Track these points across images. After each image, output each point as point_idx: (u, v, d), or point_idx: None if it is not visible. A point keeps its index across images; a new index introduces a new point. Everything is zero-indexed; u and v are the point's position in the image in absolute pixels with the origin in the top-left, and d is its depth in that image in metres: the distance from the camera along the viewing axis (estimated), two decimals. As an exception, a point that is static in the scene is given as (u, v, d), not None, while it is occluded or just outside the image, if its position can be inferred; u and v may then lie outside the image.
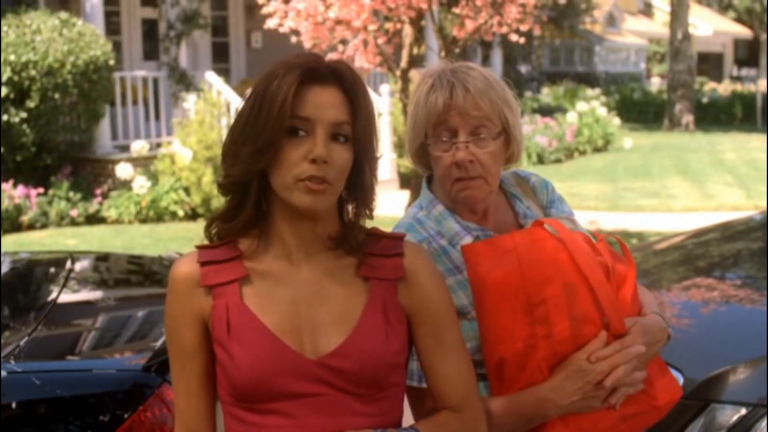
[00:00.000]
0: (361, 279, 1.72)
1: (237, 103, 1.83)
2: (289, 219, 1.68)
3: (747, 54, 49.42)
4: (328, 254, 1.72)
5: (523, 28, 7.23)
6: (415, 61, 8.24)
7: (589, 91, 27.78)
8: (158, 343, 2.66)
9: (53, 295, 3.22)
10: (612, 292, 1.91)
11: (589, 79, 33.40)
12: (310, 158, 1.61)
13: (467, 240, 2.02)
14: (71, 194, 11.45)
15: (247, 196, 1.68)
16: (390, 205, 10.08)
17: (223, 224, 1.72)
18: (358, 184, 1.70)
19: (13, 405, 2.38)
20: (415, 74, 7.68)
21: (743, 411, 2.87)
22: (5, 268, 3.61)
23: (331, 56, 7.15)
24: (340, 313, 1.69)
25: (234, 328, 1.66)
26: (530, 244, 1.92)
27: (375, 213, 1.77)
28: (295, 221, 1.68)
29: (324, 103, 1.63)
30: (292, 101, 1.61)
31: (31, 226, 11.04)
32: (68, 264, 3.63)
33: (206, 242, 1.75)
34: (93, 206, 11.52)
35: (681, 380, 3.01)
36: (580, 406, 1.88)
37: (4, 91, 10.97)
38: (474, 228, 2.05)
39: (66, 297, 3.23)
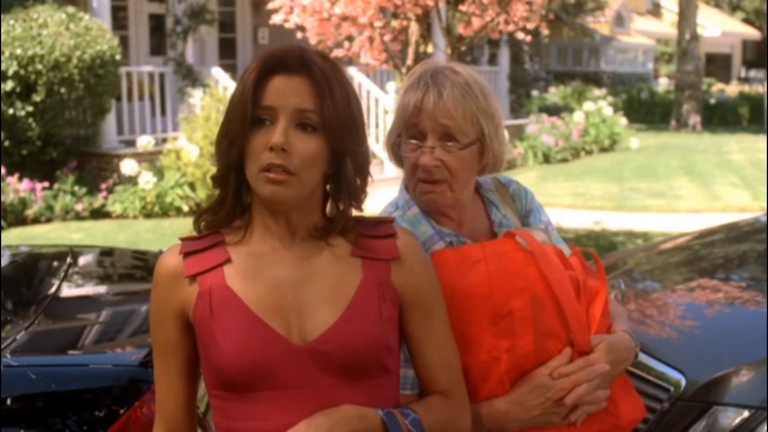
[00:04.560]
0: (352, 259, 1.69)
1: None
2: (267, 212, 1.67)
3: (755, 55, 49.27)
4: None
5: (530, 26, 7.20)
6: (422, 59, 8.20)
7: (596, 91, 27.73)
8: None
9: (51, 289, 3.20)
10: (579, 309, 1.90)
11: (596, 79, 33.35)
12: (268, 146, 1.59)
13: (440, 245, 1.99)
14: (76, 188, 11.46)
15: (228, 188, 1.68)
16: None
17: (210, 216, 1.71)
18: (339, 177, 1.67)
19: (9, 399, 2.37)
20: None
21: (746, 414, 2.85)
22: (5, 262, 3.60)
23: (337, 53, 7.21)
24: (329, 294, 1.65)
25: (217, 311, 1.63)
26: (500, 255, 1.90)
27: (376, 210, 1.74)
28: (273, 214, 1.67)
29: (286, 91, 1.61)
30: (254, 91, 1.61)
31: (35, 220, 11.05)
32: (68, 258, 3.61)
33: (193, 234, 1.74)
34: (98, 201, 11.53)
35: (683, 382, 3.00)
36: (540, 422, 1.87)
37: (11, 84, 10.99)
38: (448, 233, 2.01)
39: (64, 291, 3.22)
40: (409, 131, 1.97)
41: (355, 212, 1.73)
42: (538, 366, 1.87)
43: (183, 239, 1.73)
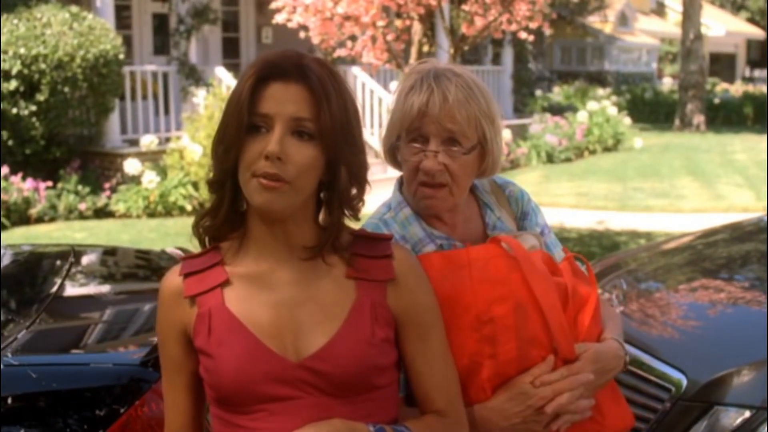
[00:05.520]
0: (347, 280, 1.69)
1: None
2: (262, 220, 1.66)
3: (759, 55, 49.17)
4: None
5: (533, 25, 7.19)
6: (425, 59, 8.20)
7: (600, 91, 27.70)
8: (156, 338, 2.64)
9: (53, 289, 3.21)
10: (563, 316, 1.88)
11: (600, 79, 33.33)
12: (264, 154, 1.58)
13: (430, 248, 1.97)
14: (80, 188, 11.48)
15: (225, 193, 1.67)
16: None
17: (208, 221, 1.71)
18: (334, 185, 1.66)
19: (9, 398, 2.37)
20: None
21: (747, 414, 2.85)
22: (6, 261, 3.60)
23: (339, 52, 7.20)
24: (324, 315, 1.66)
25: (215, 332, 1.65)
26: (484, 261, 1.88)
27: (371, 211, 1.73)
28: (267, 222, 1.66)
29: (283, 99, 1.60)
30: (250, 98, 1.60)
31: (39, 220, 11.07)
32: (69, 257, 3.62)
33: (195, 239, 1.75)
34: (101, 200, 11.55)
35: (684, 382, 3.00)
36: (521, 430, 1.85)
37: (14, 84, 11.01)
38: (439, 236, 1.99)
39: (66, 290, 3.22)
40: (410, 134, 1.94)
41: (352, 221, 1.73)
42: (520, 373, 1.85)
43: (183, 258, 1.74)
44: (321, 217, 1.69)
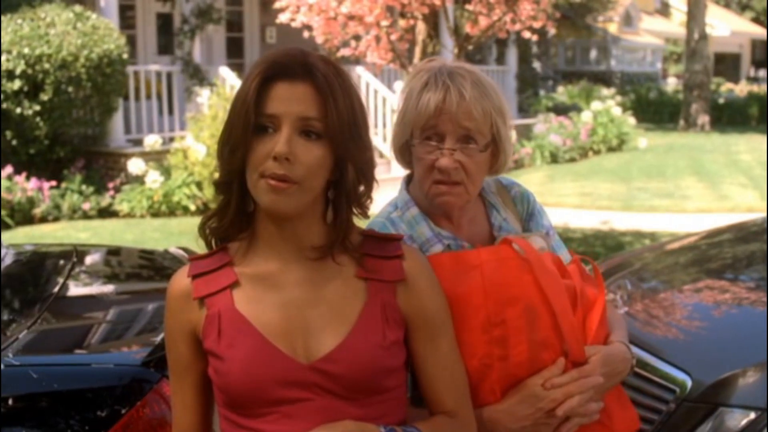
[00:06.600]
0: (358, 280, 1.68)
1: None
2: (270, 220, 1.65)
3: (764, 55, 49.07)
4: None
5: (536, 25, 7.18)
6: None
7: (605, 91, 27.67)
8: (158, 339, 2.64)
9: (55, 288, 3.20)
10: (574, 319, 1.87)
11: (604, 78, 33.30)
12: (272, 155, 1.57)
13: (438, 248, 1.96)
14: (84, 187, 11.48)
15: (232, 194, 1.66)
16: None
17: (215, 223, 1.71)
18: (342, 183, 1.64)
19: (10, 399, 2.36)
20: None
21: (752, 415, 2.83)
22: (9, 261, 3.60)
23: (343, 52, 7.19)
24: (334, 315, 1.64)
25: (225, 334, 1.64)
26: (496, 262, 1.87)
27: (376, 210, 1.72)
28: (276, 222, 1.65)
29: (290, 98, 1.58)
30: (256, 99, 1.58)
31: (43, 219, 11.07)
32: (72, 257, 3.61)
33: (201, 240, 1.74)
34: (105, 200, 11.55)
35: (689, 383, 2.98)
36: None
37: (18, 83, 11.01)
38: (446, 236, 1.99)
39: (68, 290, 3.22)
40: (425, 132, 1.93)
41: (360, 219, 1.72)
42: (530, 375, 1.84)
43: (191, 259, 1.73)
44: (329, 216, 1.68)
